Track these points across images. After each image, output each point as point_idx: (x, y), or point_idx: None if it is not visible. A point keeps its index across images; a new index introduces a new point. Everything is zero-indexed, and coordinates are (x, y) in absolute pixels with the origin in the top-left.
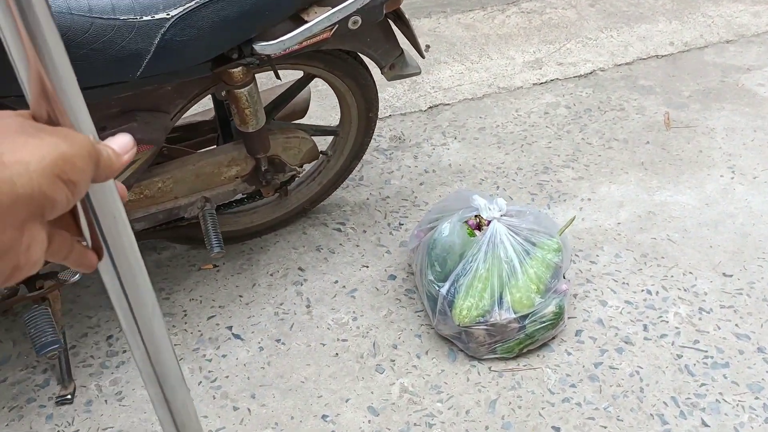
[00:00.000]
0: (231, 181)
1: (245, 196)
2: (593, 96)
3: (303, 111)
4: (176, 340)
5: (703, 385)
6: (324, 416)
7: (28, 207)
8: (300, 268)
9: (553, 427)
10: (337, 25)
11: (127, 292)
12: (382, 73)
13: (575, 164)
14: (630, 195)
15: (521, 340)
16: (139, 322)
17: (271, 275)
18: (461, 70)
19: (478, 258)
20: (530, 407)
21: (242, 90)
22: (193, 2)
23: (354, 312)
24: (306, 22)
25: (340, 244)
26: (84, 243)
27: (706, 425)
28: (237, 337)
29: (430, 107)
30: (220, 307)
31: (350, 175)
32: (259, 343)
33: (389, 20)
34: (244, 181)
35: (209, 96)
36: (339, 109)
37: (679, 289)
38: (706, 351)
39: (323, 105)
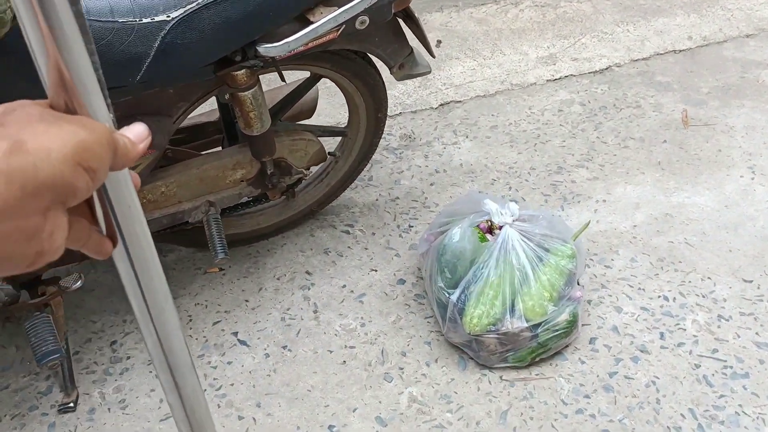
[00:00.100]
0: (236, 185)
1: (251, 199)
2: (609, 93)
3: (311, 111)
4: None
5: (722, 396)
6: (330, 426)
7: (51, 193)
8: (307, 272)
9: None
10: (343, 26)
11: (141, 280)
12: (391, 73)
13: (590, 164)
14: (646, 196)
15: (533, 348)
16: (152, 310)
17: (278, 279)
18: (473, 66)
19: (490, 264)
20: (542, 418)
21: (246, 93)
22: (194, 4)
23: (362, 318)
24: (312, 22)
25: (349, 247)
26: (99, 231)
27: None
28: (242, 343)
29: (441, 105)
30: (225, 312)
31: (359, 176)
32: (265, 349)
33: (398, 19)
34: (250, 185)
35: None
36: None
37: (697, 296)
38: (725, 361)
39: (332, 102)
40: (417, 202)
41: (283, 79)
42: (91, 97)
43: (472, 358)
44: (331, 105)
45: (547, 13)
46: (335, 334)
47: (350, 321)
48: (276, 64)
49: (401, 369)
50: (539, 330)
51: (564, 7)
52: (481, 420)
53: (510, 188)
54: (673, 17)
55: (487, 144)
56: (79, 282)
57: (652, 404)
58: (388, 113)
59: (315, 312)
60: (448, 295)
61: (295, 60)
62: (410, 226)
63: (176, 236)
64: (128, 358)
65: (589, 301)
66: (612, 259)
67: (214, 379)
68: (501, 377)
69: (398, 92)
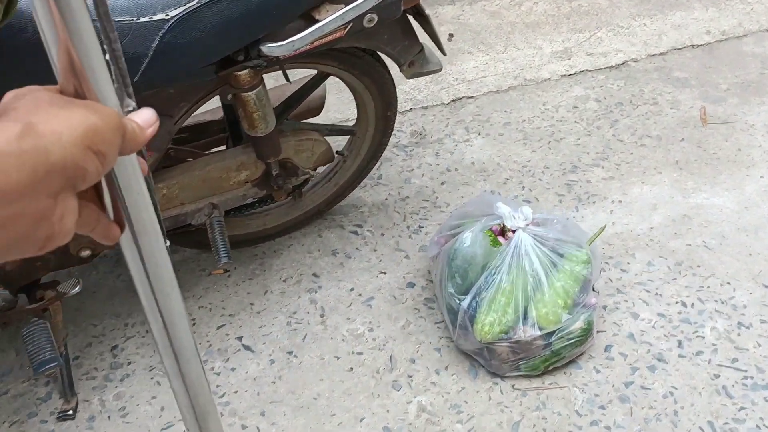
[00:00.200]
0: (240, 186)
1: (256, 200)
2: (625, 89)
3: (318, 108)
4: None
5: (742, 408)
6: None
7: (62, 177)
8: (314, 274)
9: None
10: (351, 24)
11: (147, 266)
12: (400, 71)
13: (605, 163)
14: (663, 197)
15: (547, 357)
16: (158, 296)
17: (284, 281)
18: (486, 61)
19: (502, 270)
20: (556, 430)
21: (250, 94)
22: (194, 2)
23: (370, 322)
24: (317, 21)
25: (357, 248)
26: (107, 217)
27: None
28: (247, 348)
29: (453, 100)
30: (230, 315)
31: (368, 174)
32: (270, 355)
33: (408, 15)
34: (254, 186)
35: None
36: None
37: (716, 302)
38: (746, 371)
39: (341, 98)
40: (427, 201)
41: (287, 80)
42: (100, 82)
43: (483, 366)
44: (340, 101)
45: (562, 6)
46: (342, 340)
47: (358, 326)
48: (280, 64)
49: (410, 377)
50: (553, 338)
51: None
52: (492, 431)
53: (523, 188)
54: (691, 11)
55: (499, 141)
56: (77, 287)
57: (670, 416)
58: (399, 109)
59: (322, 316)
60: (458, 302)
61: (300, 58)
62: (420, 227)
63: (179, 237)
64: (129, 363)
65: (604, 307)
66: (628, 263)
67: (218, 386)
68: (513, 386)
69: (409, 87)
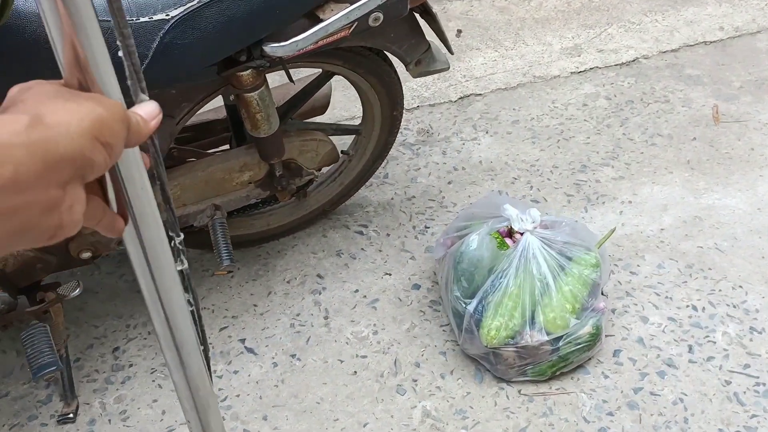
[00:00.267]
0: (243, 187)
1: (259, 201)
2: (635, 86)
3: (324, 107)
4: None
5: (754, 416)
6: None
7: (70, 167)
8: (319, 275)
9: None
10: (356, 23)
11: (150, 259)
12: (407, 70)
13: (615, 162)
14: (674, 197)
15: (554, 362)
16: (160, 290)
17: (288, 282)
18: (494, 57)
19: (509, 274)
20: None
21: (252, 94)
22: (195, 2)
23: (375, 325)
24: (321, 20)
25: (362, 249)
26: (112, 210)
27: None
28: (250, 351)
29: (461, 98)
30: (233, 317)
31: (374, 173)
32: (273, 358)
33: (415, 13)
34: (258, 187)
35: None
36: None
37: (728, 305)
38: (758, 377)
39: (347, 95)
40: (434, 201)
41: (291, 80)
42: (104, 75)
43: (489, 371)
44: (346, 98)
45: (572, 2)
46: (346, 342)
47: (362, 328)
48: (284, 64)
49: (415, 381)
50: (560, 343)
51: None
52: None
53: (531, 188)
54: (704, 6)
55: (507, 140)
56: (77, 290)
57: (680, 423)
58: (405, 106)
59: (326, 318)
60: (464, 305)
61: (304, 58)
62: (426, 227)
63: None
64: (131, 365)
65: (613, 310)
66: (638, 265)
67: (220, 389)
68: (519, 391)
69: (416, 84)
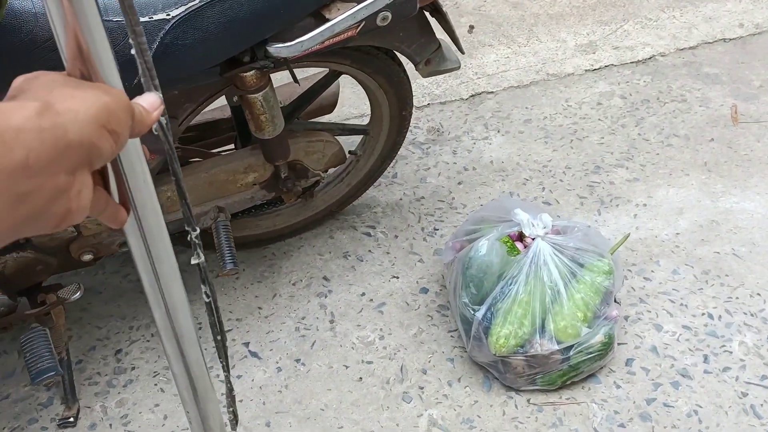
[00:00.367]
0: (248, 189)
1: (264, 202)
2: (652, 85)
3: (331, 106)
4: None
5: None
6: None
7: (79, 154)
8: (325, 278)
9: None
10: (363, 22)
11: (151, 250)
12: (416, 70)
13: (630, 163)
14: (691, 200)
15: (564, 371)
16: (161, 280)
17: (294, 285)
18: (507, 54)
19: (519, 280)
20: None
21: (256, 95)
22: (197, 1)
23: (381, 329)
24: (328, 20)
25: (369, 251)
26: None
27: None
28: (254, 355)
29: (472, 95)
30: (237, 320)
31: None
32: (277, 362)
33: (425, 12)
34: (263, 188)
35: None
36: None
37: (746, 314)
38: None
39: (357, 92)
40: (443, 202)
41: (296, 81)
42: (105, 66)
43: (497, 379)
44: (355, 95)
45: None
46: (352, 347)
47: (368, 333)
48: (288, 65)
49: (421, 388)
50: (571, 352)
51: None
52: None
53: (543, 189)
54: (724, 3)
55: (519, 139)
56: (78, 293)
57: None
58: (416, 104)
59: (331, 322)
60: (473, 312)
61: (310, 57)
62: (435, 229)
63: (186, 239)
64: (133, 368)
65: (626, 318)
66: (652, 271)
67: (222, 394)
68: (528, 401)
69: (427, 82)
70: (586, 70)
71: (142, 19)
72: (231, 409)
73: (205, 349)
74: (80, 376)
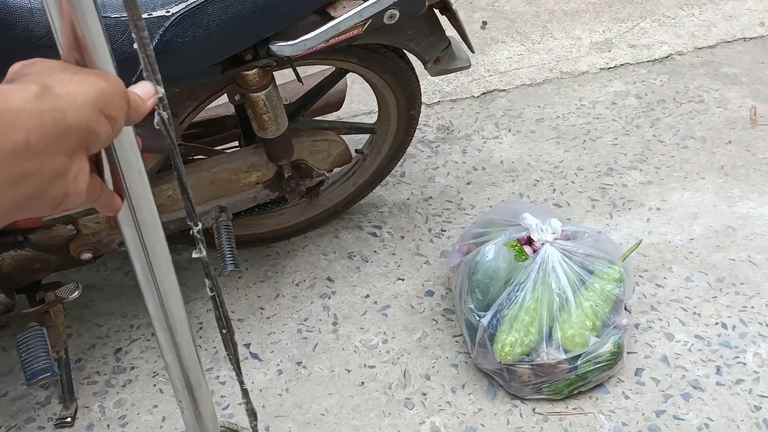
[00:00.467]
0: (250, 188)
1: (268, 201)
2: (668, 84)
3: (339, 103)
4: None
5: None
6: None
7: (77, 137)
8: (329, 278)
9: None
10: (370, 21)
11: (144, 239)
12: (425, 68)
13: (644, 166)
14: (706, 205)
15: (571, 381)
16: (155, 269)
17: (297, 285)
18: (520, 51)
19: (526, 287)
20: None
21: (259, 94)
22: None
23: (385, 333)
24: (333, 18)
25: (375, 252)
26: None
27: None
28: (255, 357)
29: (484, 93)
30: (239, 320)
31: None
32: (278, 365)
33: (434, 9)
34: (266, 188)
35: None
36: None
37: (761, 324)
38: None
39: (366, 88)
40: (451, 203)
41: (299, 80)
42: (100, 54)
43: (502, 387)
44: (364, 90)
45: None
46: (354, 351)
47: (371, 336)
48: (292, 64)
49: (424, 394)
50: (579, 362)
51: None
52: None
53: (554, 191)
54: (744, 0)
55: (531, 139)
56: (77, 292)
57: None
58: (426, 101)
59: (334, 324)
60: (478, 318)
61: (316, 56)
62: (443, 230)
63: (188, 238)
64: (132, 368)
65: (636, 326)
66: (664, 277)
67: (222, 396)
68: (534, 410)
69: (438, 78)
70: (600, 69)
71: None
72: (247, 404)
73: (205, 350)
74: (79, 375)
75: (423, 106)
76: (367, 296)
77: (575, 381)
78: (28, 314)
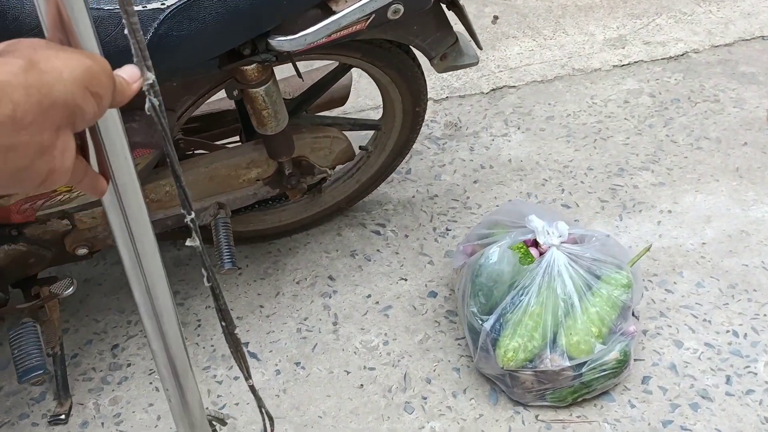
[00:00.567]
0: (250, 184)
1: (268, 198)
2: (683, 83)
3: (343, 98)
4: None
5: None
6: None
7: (63, 112)
8: (330, 277)
9: None
10: (373, 15)
11: (129, 221)
12: (431, 65)
13: (656, 166)
14: (719, 208)
15: (576, 388)
16: (141, 255)
17: (298, 283)
18: (532, 47)
19: (531, 291)
20: None
21: (258, 90)
22: None
23: (386, 334)
24: (334, 12)
25: (378, 250)
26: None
27: None
28: (253, 356)
29: (493, 89)
30: (237, 318)
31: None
32: (277, 365)
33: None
34: (266, 185)
35: None
36: None
37: None
38: None
39: (372, 82)
40: (457, 201)
41: (299, 76)
42: (85, 36)
43: (504, 392)
44: (371, 84)
45: None
46: (354, 352)
47: (372, 337)
48: (292, 59)
49: (424, 398)
50: (583, 369)
51: None
52: None
53: (563, 191)
54: None
55: (540, 137)
56: (71, 288)
57: None
58: (434, 97)
59: (335, 324)
60: (481, 323)
61: (317, 50)
62: (447, 230)
63: (185, 233)
64: (129, 365)
65: (644, 332)
66: (674, 282)
67: (218, 396)
68: (537, 417)
69: (446, 74)
70: (614, 66)
71: (135, 8)
72: (262, 408)
73: (203, 348)
74: (74, 371)
75: (431, 102)
76: (369, 296)
77: (579, 388)
78: (23, 309)
